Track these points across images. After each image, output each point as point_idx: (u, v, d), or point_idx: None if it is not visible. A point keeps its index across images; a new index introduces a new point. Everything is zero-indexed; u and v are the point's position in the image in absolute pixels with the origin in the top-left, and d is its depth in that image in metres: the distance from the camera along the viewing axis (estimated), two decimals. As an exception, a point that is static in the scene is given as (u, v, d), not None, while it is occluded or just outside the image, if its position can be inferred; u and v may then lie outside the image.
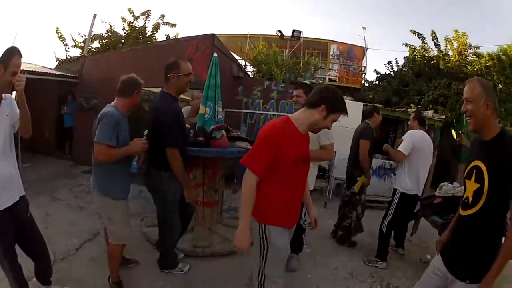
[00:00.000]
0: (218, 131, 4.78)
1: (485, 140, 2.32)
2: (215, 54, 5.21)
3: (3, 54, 2.74)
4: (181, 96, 4.33)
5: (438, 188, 5.10)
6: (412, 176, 4.96)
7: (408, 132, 5.30)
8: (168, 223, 4.07)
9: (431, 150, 5.30)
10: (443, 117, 11.46)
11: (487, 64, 14.19)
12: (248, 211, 2.57)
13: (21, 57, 2.81)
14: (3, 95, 2.84)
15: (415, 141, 4.99)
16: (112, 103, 3.65)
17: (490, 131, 2.29)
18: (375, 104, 9.29)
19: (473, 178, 2.31)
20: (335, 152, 7.34)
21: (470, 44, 14.51)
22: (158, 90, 9.80)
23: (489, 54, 15.01)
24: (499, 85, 14.37)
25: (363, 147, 5.29)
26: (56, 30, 15.30)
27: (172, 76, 3.95)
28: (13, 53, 2.75)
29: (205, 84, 5.02)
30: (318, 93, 2.70)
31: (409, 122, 5.58)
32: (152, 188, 4.04)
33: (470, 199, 2.29)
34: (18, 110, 2.91)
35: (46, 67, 11.68)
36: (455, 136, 11.30)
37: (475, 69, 13.76)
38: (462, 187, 4.92)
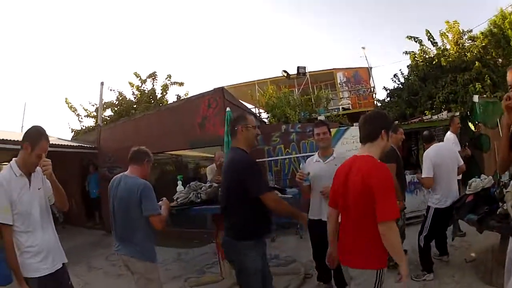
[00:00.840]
0: None
1: None
2: (228, 109, 5.29)
3: (31, 133, 2.94)
4: (201, 154, 4.34)
5: (467, 186, 5.00)
6: (442, 190, 4.96)
7: (424, 153, 5.35)
8: None
9: (452, 156, 5.30)
10: (457, 113, 11.26)
11: (483, 44, 14.17)
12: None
13: (48, 141, 2.99)
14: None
15: (432, 159, 5.03)
16: (130, 173, 3.87)
17: None
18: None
19: None
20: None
21: (463, 30, 14.61)
22: (177, 152, 9.87)
23: (482, 33, 14.99)
24: (499, 60, 14.27)
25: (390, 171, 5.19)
26: (66, 101, 15.89)
27: (241, 129, 3.45)
28: (41, 135, 2.94)
29: (224, 140, 5.09)
30: (370, 125, 2.79)
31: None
32: (240, 265, 3.39)
33: None
34: (49, 183, 3.05)
35: (61, 139, 12.07)
36: (473, 128, 11.06)
37: (474, 53, 13.72)
38: (490, 177, 4.88)
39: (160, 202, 3.90)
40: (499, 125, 10.86)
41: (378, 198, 2.43)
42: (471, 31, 14.74)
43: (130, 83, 16.06)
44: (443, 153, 5.20)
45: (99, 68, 64.36)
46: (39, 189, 3.02)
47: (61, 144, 10.01)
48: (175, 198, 4.96)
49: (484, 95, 11.68)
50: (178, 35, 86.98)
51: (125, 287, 5.55)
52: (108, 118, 15.48)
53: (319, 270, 4.81)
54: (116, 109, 15.79)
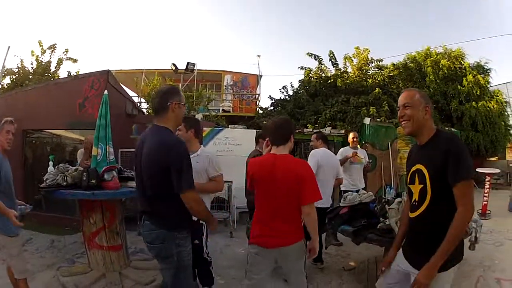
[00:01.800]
0: (109, 173, 4.74)
1: (423, 143, 2.55)
2: (105, 92, 5.12)
3: None
4: (75, 136, 4.16)
5: (342, 199, 5.27)
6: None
7: (312, 152, 5.53)
8: None
9: (334, 165, 5.61)
10: (343, 131, 11.85)
11: (391, 74, 15.32)
12: None
13: None
14: None
15: (319, 158, 5.30)
16: None
17: (427, 133, 2.52)
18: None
19: (416, 182, 2.51)
20: (231, 182, 7.39)
21: (372, 59, 15.45)
22: (58, 132, 9.35)
23: (394, 64, 16.29)
24: None
25: None
26: None
27: (174, 105, 3.00)
28: None
29: (96, 124, 4.91)
30: (283, 129, 3.26)
31: (311, 143, 5.84)
32: (163, 255, 2.99)
33: (417, 200, 2.50)
34: None
35: None
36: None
37: (377, 80, 14.64)
38: (370, 192, 5.20)
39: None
40: (389, 149, 11.96)
41: (307, 185, 2.97)
42: (381, 60, 15.67)
43: (32, 52, 14.96)
44: (329, 158, 5.52)
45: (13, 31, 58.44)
46: None
47: None
48: (44, 179, 4.72)
49: (378, 119, 12.47)
50: (81, 10, 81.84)
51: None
52: (6, 86, 14.34)
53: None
54: (14, 77, 14.61)
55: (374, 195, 5.25)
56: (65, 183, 4.72)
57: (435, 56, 16.32)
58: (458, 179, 2.25)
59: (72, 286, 4.61)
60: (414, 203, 2.55)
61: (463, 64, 16.42)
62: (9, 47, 13.14)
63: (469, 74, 15.66)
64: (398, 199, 4.42)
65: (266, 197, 3.13)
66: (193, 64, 17.29)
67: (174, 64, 17.11)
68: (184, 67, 17.13)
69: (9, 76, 14.64)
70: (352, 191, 5.94)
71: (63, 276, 4.94)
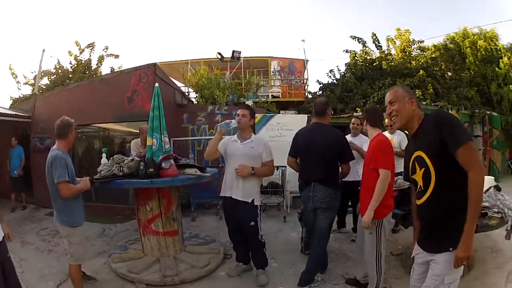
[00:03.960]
0: (166, 161, 4.87)
1: (415, 132, 2.62)
2: (156, 85, 5.23)
3: None
4: (122, 129, 4.36)
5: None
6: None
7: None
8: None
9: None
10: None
11: (433, 56, 14.82)
12: None
13: None
14: None
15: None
16: (55, 146, 4.09)
17: (417, 122, 2.59)
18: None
19: (417, 169, 2.54)
20: (285, 167, 7.40)
21: (413, 40, 15.04)
22: (105, 125, 9.63)
23: (435, 46, 15.79)
24: (448, 73, 15.00)
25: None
26: (9, 67, 15.34)
27: (330, 112, 4.70)
28: None
29: (150, 115, 5.04)
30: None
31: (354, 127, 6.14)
32: (330, 206, 4.43)
33: (422, 185, 2.51)
34: None
35: (1, 107, 11.36)
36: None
37: (420, 62, 14.20)
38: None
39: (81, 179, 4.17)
40: None
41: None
42: (422, 41, 15.27)
43: (69, 52, 15.50)
44: None
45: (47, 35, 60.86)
46: None
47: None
48: (98, 171, 4.89)
49: (424, 102, 12.20)
50: (119, 7, 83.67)
51: (57, 263, 5.48)
52: (44, 87, 14.83)
53: (237, 251, 4.95)
54: (52, 78, 15.17)
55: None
56: (121, 173, 4.85)
57: (472, 37, 15.70)
58: (458, 145, 2.26)
59: (125, 271, 4.77)
60: (419, 190, 2.57)
61: (498, 46, 15.74)
62: (44, 49, 13.43)
63: (505, 56, 14.96)
64: None
65: None
66: (239, 52, 17.36)
67: (219, 53, 17.24)
68: (229, 55, 17.23)
69: (46, 77, 15.10)
70: None
71: (114, 263, 5.10)
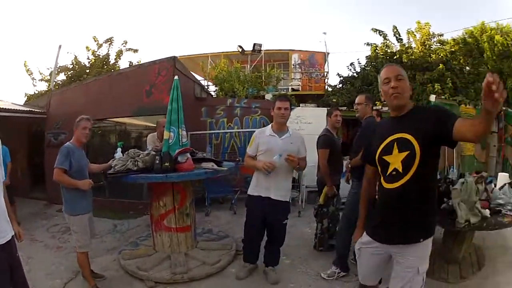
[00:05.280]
0: (182, 155, 4.83)
1: (401, 114, 2.56)
2: (176, 77, 5.22)
3: None
4: (138, 123, 4.37)
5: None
6: None
7: None
8: None
9: None
10: None
11: (452, 50, 14.56)
12: None
13: None
14: None
15: None
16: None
17: (408, 106, 2.56)
18: (331, 107, 9.25)
19: (395, 151, 2.47)
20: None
21: (433, 33, 14.86)
22: (122, 120, 9.63)
23: (454, 40, 15.46)
24: (466, 68, 14.75)
25: (321, 156, 5.20)
26: (24, 64, 15.37)
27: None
28: None
29: (168, 109, 5.04)
30: None
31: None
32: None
33: (401, 169, 2.43)
34: None
35: (15, 104, 11.31)
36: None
37: (440, 56, 14.02)
38: None
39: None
40: None
41: None
42: (442, 35, 15.08)
43: (87, 47, 15.59)
44: None
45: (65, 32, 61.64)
46: None
47: (9, 109, 9.24)
48: (112, 165, 4.84)
49: (443, 96, 11.97)
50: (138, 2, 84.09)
51: (66, 260, 5.50)
52: (61, 83, 14.95)
53: (248, 251, 4.78)
54: (69, 73, 15.27)
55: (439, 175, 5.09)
56: (135, 168, 4.80)
57: (489, 32, 15.30)
58: (455, 120, 2.21)
59: (134, 268, 4.75)
60: (393, 172, 2.49)
61: None
62: (60, 45, 13.41)
63: None
64: (461, 180, 4.37)
65: None
66: (260, 45, 17.33)
67: (240, 46, 17.26)
68: (250, 48, 17.18)
69: (63, 73, 15.20)
70: None
71: (124, 259, 5.10)
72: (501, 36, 14.86)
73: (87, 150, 8.83)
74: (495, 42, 14.74)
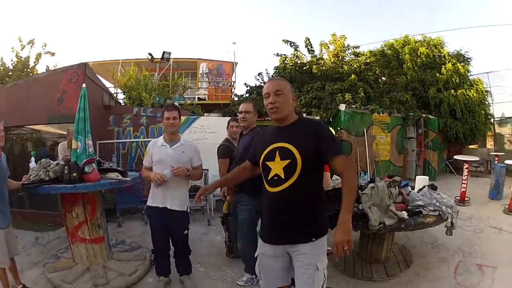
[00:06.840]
0: (89, 165, 4.77)
1: (284, 125, 2.76)
2: (84, 85, 5.16)
3: None
4: (54, 130, 4.28)
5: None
6: None
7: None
8: None
9: None
10: (318, 117, 11.97)
11: (367, 61, 15.30)
12: None
13: None
14: None
15: None
16: None
17: (292, 118, 2.76)
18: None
19: (277, 158, 2.66)
20: (207, 170, 7.50)
21: (348, 45, 15.34)
22: (37, 127, 9.10)
23: (370, 51, 16.46)
24: (383, 78, 15.63)
25: (221, 166, 5.16)
26: None
27: None
28: None
29: (76, 117, 4.96)
30: None
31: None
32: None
33: (283, 175, 2.62)
34: None
35: None
36: (334, 132, 11.85)
37: (353, 67, 14.57)
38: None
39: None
40: (365, 135, 12.26)
41: None
42: (358, 47, 15.57)
43: (12, 48, 14.58)
44: None
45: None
46: None
47: None
48: (28, 175, 4.71)
49: (353, 106, 12.50)
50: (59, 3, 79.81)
51: None
52: None
53: (159, 264, 4.66)
54: None
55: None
56: (47, 178, 4.69)
57: (413, 44, 16.43)
58: (336, 155, 2.57)
59: (59, 281, 4.63)
60: (275, 178, 2.66)
61: (442, 53, 16.58)
62: None
63: (449, 63, 15.78)
64: (371, 185, 4.57)
65: None
66: (169, 53, 17.24)
67: (150, 54, 17.08)
68: (160, 56, 17.10)
69: None
70: None
71: (49, 273, 4.95)
72: (427, 48, 16.03)
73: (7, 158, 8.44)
74: (419, 53, 15.89)
